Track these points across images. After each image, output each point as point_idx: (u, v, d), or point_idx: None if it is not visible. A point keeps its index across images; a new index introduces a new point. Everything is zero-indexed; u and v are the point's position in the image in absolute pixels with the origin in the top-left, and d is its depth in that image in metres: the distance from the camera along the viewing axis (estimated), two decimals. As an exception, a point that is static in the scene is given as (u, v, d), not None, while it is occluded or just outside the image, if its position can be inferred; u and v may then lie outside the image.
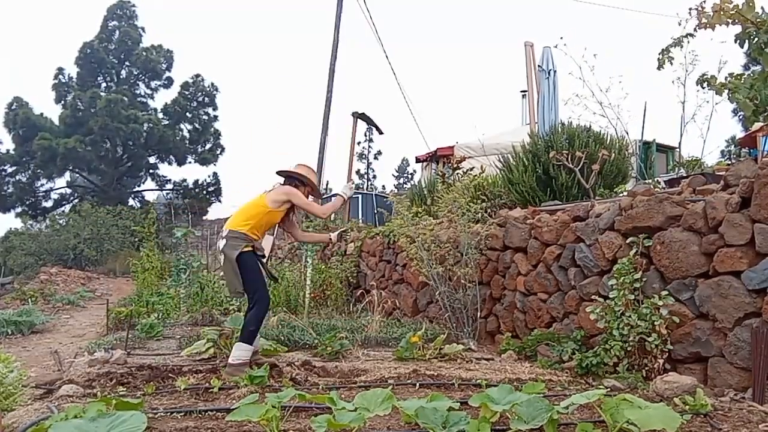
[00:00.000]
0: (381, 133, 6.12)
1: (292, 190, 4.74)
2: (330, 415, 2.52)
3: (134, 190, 32.54)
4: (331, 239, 5.31)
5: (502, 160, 8.31)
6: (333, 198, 4.82)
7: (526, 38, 11.10)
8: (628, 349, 4.23)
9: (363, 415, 2.53)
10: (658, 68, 4.83)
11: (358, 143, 44.41)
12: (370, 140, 44.92)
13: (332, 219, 15.84)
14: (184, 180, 31.83)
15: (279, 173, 4.92)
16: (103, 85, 30.83)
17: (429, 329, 5.84)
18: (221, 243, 4.62)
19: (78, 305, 11.22)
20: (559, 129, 7.97)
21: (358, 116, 5.27)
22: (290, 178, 4.83)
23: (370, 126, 5.63)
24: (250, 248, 4.57)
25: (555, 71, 10.06)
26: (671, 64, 4.83)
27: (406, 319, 7.30)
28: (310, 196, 4.98)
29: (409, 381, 4.15)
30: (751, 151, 7.60)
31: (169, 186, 32.32)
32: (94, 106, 27.38)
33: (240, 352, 4.39)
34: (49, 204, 30.37)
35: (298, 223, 5.26)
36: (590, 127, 8.23)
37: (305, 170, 4.90)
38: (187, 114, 30.70)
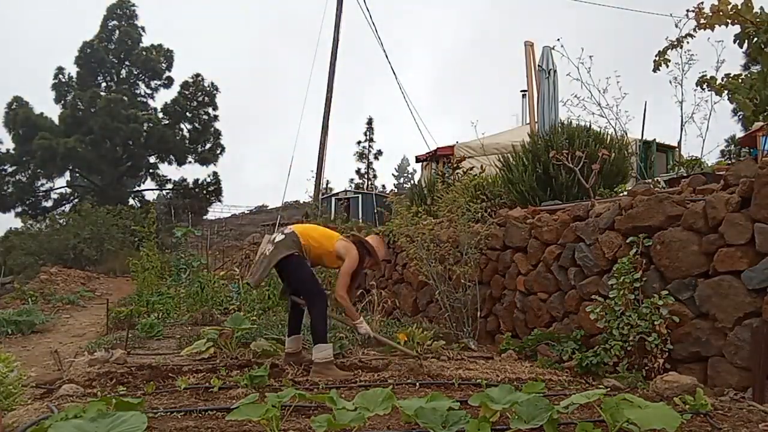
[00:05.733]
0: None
1: (353, 255, 4.73)
2: (330, 415, 2.51)
3: (134, 189, 32.57)
4: (357, 328, 5.04)
5: (502, 159, 8.31)
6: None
7: (526, 38, 11.08)
8: (628, 348, 4.23)
9: (363, 415, 2.53)
10: (654, 70, 4.84)
11: (358, 143, 44.45)
12: (371, 140, 44.90)
13: (332, 218, 15.83)
14: (184, 180, 31.90)
15: (352, 236, 5.05)
16: (103, 84, 30.88)
17: (428, 328, 5.85)
18: (278, 236, 4.66)
19: (78, 305, 11.22)
20: (559, 129, 7.98)
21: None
22: (363, 246, 4.88)
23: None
24: (299, 255, 4.63)
25: (555, 71, 10.05)
26: (667, 66, 4.84)
27: (406, 319, 7.30)
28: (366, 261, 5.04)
29: (409, 381, 4.15)
30: (751, 150, 7.59)
31: (169, 186, 32.35)
32: (94, 105, 27.40)
33: (322, 353, 4.41)
34: (49, 204, 30.43)
35: (355, 288, 5.31)
36: (590, 126, 8.24)
37: (377, 243, 4.98)
38: (187, 114, 30.73)
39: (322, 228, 5.04)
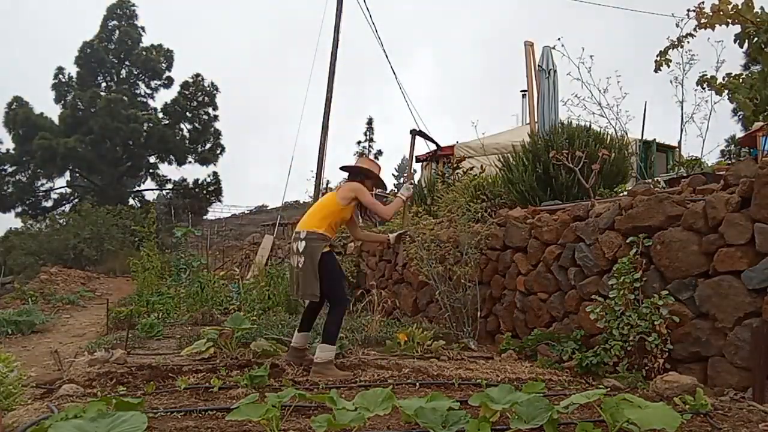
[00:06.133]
0: (439, 147, 6.04)
1: (358, 186, 4.62)
2: (330, 415, 2.51)
3: (134, 189, 32.55)
4: (389, 240, 5.21)
5: (502, 159, 8.31)
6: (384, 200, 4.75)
7: (526, 38, 11.08)
8: (628, 348, 4.23)
9: (363, 415, 2.53)
10: (656, 70, 4.84)
11: (358, 142, 44.40)
12: (371, 140, 44.89)
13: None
14: (184, 180, 31.87)
15: (342, 168, 4.88)
16: (103, 84, 30.85)
17: (428, 328, 5.85)
18: (299, 245, 4.48)
19: (78, 305, 11.22)
20: (559, 129, 7.97)
21: (416, 133, 5.21)
22: (354, 173, 4.77)
23: (429, 141, 5.56)
24: (329, 248, 4.55)
25: (555, 71, 10.06)
26: (668, 66, 4.85)
27: (406, 319, 7.30)
28: (375, 189, 4.94)
29: (409, 381, 4.15)
30: (751, 150, 7.58)
31: (169, 186, 32.34)
32: (94, 105, 27.40)
33: (325, 353, 4.40)
34: (49, 204, 30.41)
35: (358, 221, 5.14)
36: (590, 126, 8.24)
37: (368, 163, 4.86)
38: (187, 114, 30.71)
39: (317, 204, 4.84)
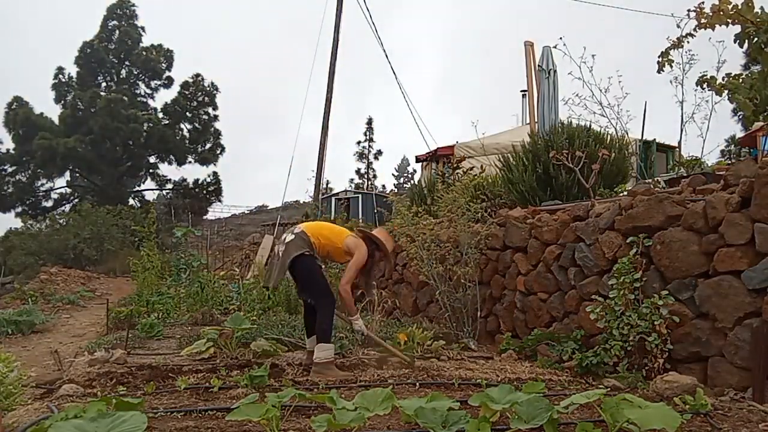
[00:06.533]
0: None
1: (362, 250, 4.77)
2: (330, 415, 2.51)
3: (134, 189, 32.53)
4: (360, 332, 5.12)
5: (502, 159, 8.31)
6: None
7: (527, 38, 11.07)
8: (628, 348, 4.23)
9: (363, 415, 2.53)
10: (658, 71, 4.84)
11: (358, 143, 44.43)
12: (371, 140, 44.91)
13: (332, 218, 15.82)
14: (184, 180, 31.87)
15: (359, 231, 5.06)
16: (103, 84, 30.86)
17: (428, 328, 5.85)
18: (288, 236, 4.76)
19: (78, 305, 11.22)
20: (559, 129, 7.98)
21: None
22: (370, 240, 4.89)
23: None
24: (310, 254, 4.69)
25: (555, 71, 10.05)
26: (671, 67, 4.84)
27: (406, 319, 7.29)
28: (382, 261, 5.12)
29: (409, 381, 4.15)
30: (751, 150, 7.59)
31: (169, 186, 32.34)
32: (94, 105, 27.40)
33: (323, 352, 4.46)
34: (49, 204, 30.40)
35: (374, 284, 5.37)
36: (590, 126, 8.24)
37: (384, 236, 5.00)
38: (187, 114, 30.71)
39: (332, 225, 5.10)
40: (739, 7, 4.19)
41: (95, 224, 21.16)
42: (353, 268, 4.74)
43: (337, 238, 4.84)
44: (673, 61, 4.84)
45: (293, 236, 4.73)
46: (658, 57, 4.82)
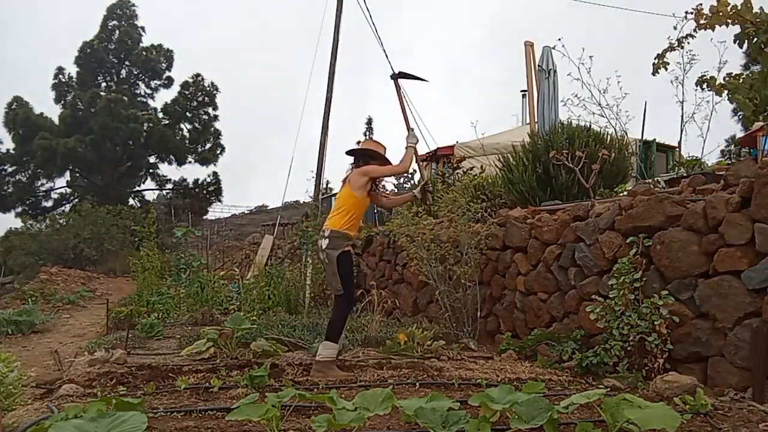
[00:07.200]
0: (426, 80, 6.05)
1: (367, 168, 4.71)
2: (330, 415, 2.52)
3: (134, 189, 32.53)
4: (416, 196, 5.24)
5: (502, 159, 8.31)
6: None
7: (527, 38, 11.07)
8: (628, 348, 4.23)
9: (363, 415, 2.53)
10: (653, 74, 4.85)
11: (358, 143, 44.35)
12: (371, 140, 44.89)
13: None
14: (184, 180, 31.89)
15: (348, 153, 4.95)
16: (103, 84, 30.88)
17: (428, 328, 5.85)
18: (322, 243, 4.62)
19: (78, 305, 11.23)
20: (559, 129, 7.97)
21: (399, 77, 5.25)
22: (360, 156, 4.83)
23: (415, 80, 5.57)
24: (349, 247, 4.65)
25: (555, 71, 10.05)
26: (666, 69, 4.85)
27: (406, 319, 7.29)
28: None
29: (409, 381, 4.15)
30: (751, 150, 7.59)
31: (169, 186, 32.35)
32: (94, 105, 27.41)
33: (327, 351, 4.45)
34: (49, 204, 30.43)
35: (381, 192, 5.23)
36: (590, 126, 8.23)
37: (373, 144, 4.95)
38: (187, 114, 30.74)
39: (338, 199, 4.88)
40: (738, 7, 4.19)
41: (95, 224, 21.18)
42: (389, 171, 4.81)
43: (349, 199, 4.67)
44: (668, 64, 4.85)
45: (327, 240, 4.59)
46: (654, 59, 4.83)
